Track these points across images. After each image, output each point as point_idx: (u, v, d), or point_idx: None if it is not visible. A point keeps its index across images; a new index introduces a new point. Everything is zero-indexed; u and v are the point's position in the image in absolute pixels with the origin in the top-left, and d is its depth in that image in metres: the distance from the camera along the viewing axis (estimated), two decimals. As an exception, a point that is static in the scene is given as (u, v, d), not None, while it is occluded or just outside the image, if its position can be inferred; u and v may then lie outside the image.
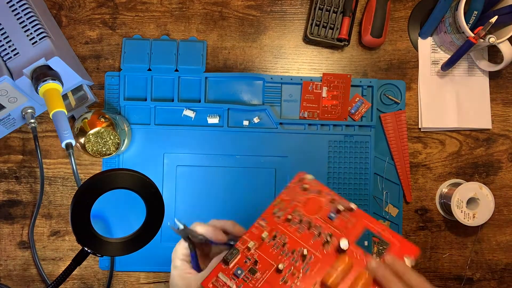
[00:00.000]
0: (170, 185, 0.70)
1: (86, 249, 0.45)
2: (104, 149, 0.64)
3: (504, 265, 0.74)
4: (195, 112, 0.70)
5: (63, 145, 0.54)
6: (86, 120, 0.63)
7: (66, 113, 0.57)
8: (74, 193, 0.70)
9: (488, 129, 0.74)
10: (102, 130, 0.63)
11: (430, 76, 0.74)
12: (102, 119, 0.63)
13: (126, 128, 0.67)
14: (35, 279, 0.71)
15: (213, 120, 0.70)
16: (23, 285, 0.71)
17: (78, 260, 0.46)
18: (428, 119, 0.73)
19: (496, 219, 0.74)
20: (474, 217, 0.68)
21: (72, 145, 0.54)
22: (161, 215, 0.47)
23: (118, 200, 0.47)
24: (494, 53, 0.74)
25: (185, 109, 0.70)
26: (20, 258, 0.71)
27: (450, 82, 0.74)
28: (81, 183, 0.51)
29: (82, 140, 0.63)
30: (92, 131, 0.63)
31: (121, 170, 0.45)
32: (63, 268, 0.70)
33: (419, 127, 0.73)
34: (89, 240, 0.44)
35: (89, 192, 0.44)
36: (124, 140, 0.66)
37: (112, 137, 0.64)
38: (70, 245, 0.71)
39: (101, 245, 0.44)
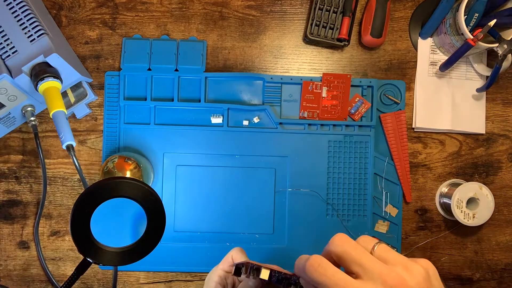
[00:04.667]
0: (170, 185, 0.70)
1: (88, 259, 0.44)
2: None
3: (504, 265, 0.74)
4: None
5: (64, 146, 0.54)
6: (114, 163, 0.64)
7: (66, 112, 0.57)
8: (74, 194, 0.70)
9: (482, 134, 0.74)
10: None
11: (428, 77, 0.74)
12: (129, 161, 0.64)
13: (151, 170, 0.68)
14: (35, 279, 0.71)
15: (216, 120, 0.70)
16: (23, 285, 0.71)
17: (81, 269, 0.46)
18: (422, 120, 0.73)
19: (496, 219, 0.74)
20: (474, 217, 0.68)
21: (73, 146, 0.54)
22: (162, 223, 0.47)
23: (118, 209, 0.47)
24: (492, 58, 0.73)
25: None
26: (20, 258, 0.71)
27: (447, 84, 0.74)
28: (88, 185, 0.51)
29: None
30: None
31: (120, 179, 0.45)
32: (63, 268, 0.71)
33: (413, 126, 0.73)
34: (90, 249, 0.44)
35: (88, 201, 0.43)
36: (150, 179, 0.68)
37: None
38: (70, 245, 0.71)
39: (102, 254, 0.44)
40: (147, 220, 0.46)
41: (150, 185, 0.64)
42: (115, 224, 0.47)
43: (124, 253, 0.45)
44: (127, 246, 0.45)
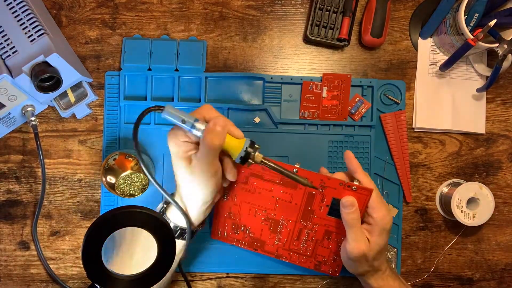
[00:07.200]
0: (170, 185, 0.70)
1: (96, 286, 0.45)
2: (131, 191, 0.65)
3: (504, 265, 0.74)
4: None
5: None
6: (115, 159, 0.64)
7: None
8: (74, 194, 0.70)
9: (482, 134, 0.74)
10: (133, 175, 0.64)
11: (428, 76, 0.74)
12: (130, 158, 0.64)
13: (151, 166, 0.69)
14: (35, 279, 0.71)
15: None
16: (23, 285, 0.71)
17: None
18: (423, 119, 0.73)
19: (496, 219, 0.74)
20: (474, 217, 0.68)
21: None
22: (172, 252, 0.47)
23: (129, 236, 0.46)
24: (492, 58, 0.73)
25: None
26: (20, 258, 0.71)
27: (447, 84, 0.74)
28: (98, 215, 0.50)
29: (112, 180, 0.64)
30: (123, 174, 0.64)
31: (133, 208, 0.45)
32: (63, 268, 0.71)
33: (413, 126, 0.73)
34: (99, 275, 0.44)
35: (101, 229, 0.44)
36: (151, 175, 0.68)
37: (140, 180, 0.65)
38: (70, 245, 0.71)
39: (110, 281, 0.44)
40: (157, 249, 0.46)
41: (152, 179, 0.64)
42: (125, 251, 0.47)
43: (134, 281, 0.45)
44: (136, 274, 0.45)
